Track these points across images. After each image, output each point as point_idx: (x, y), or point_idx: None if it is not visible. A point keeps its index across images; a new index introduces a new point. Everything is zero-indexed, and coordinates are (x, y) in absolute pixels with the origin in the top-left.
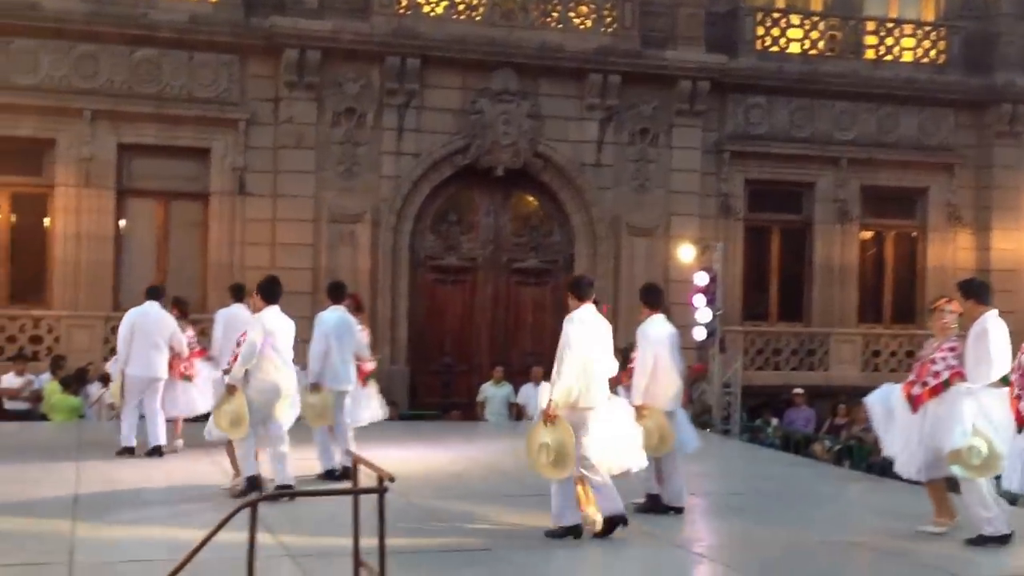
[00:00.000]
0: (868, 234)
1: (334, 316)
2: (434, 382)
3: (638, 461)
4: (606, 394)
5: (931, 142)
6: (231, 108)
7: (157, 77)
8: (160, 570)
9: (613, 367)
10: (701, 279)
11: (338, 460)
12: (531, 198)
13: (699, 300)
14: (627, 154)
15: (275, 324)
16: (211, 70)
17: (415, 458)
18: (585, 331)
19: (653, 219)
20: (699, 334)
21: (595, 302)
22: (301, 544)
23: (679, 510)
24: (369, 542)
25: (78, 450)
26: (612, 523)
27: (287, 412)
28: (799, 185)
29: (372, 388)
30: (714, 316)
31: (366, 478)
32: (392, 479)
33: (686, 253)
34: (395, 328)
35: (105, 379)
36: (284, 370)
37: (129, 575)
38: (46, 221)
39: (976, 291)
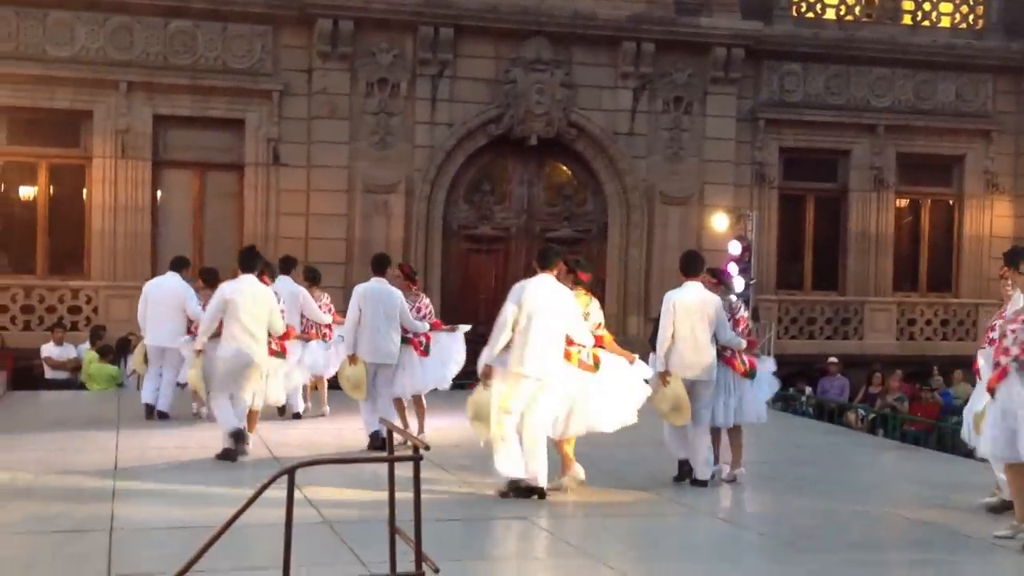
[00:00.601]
0: (904, 202)
1: (366, 286)
2: (468, 351)
3: (591, 425)
4: (551, 361)
5: (969, 108)
6: (265, 79)
7: (191, 48)
8: (199, 537)
9: (578, 335)
10: (735, 248)
11: (378, 426)
12: (564, 167)
13: (733, 269)
14: (661, 123)
15: (236, 293)
16: (245, 41)
17: (448, 427)
18: (526, 301)
19: (687, 188)
20: None
21: (571, 270)
22: (338, 512)
23: (699, 483)
24: (404, 510)
25: (117, 419)
26: (526, 491)
27: (258, 384)
28: (834, 153)
29: (432, 359)
30: (748, 285)
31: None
32: (427, 447)
33: (720, 222)
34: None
35: None
36: (245, 339)
37: (168, 542)
38: (84, 192)
39: (1014, 258)
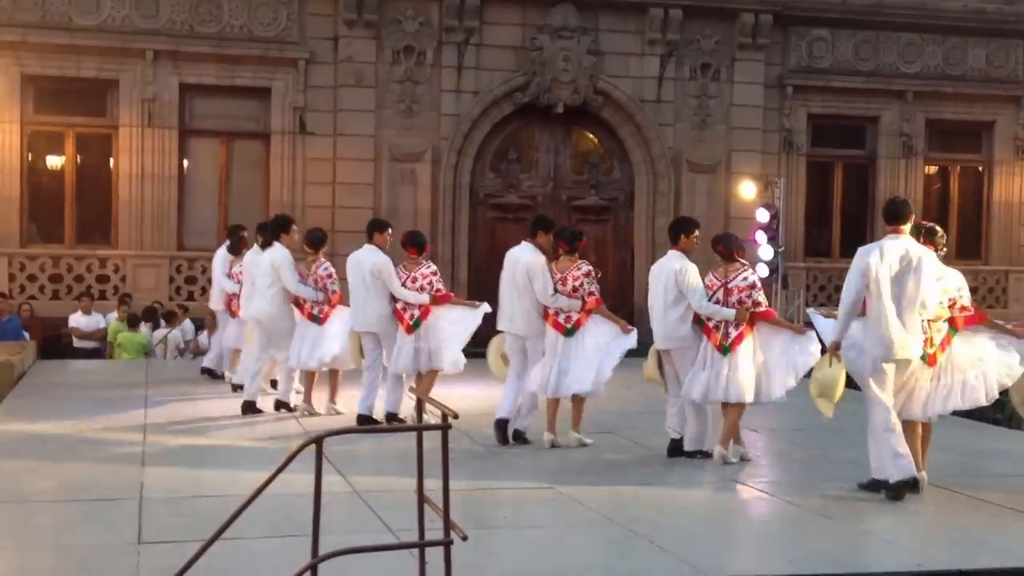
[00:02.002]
0: (933, 169)
1: (352, 254)
2: (495, 320)
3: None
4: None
5: (999, 74)
6: (291, 47)
7: (217, 17)
8: (228, 505)
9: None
10: (763, 216)
11: (367, 404)
12: (591, 135)
13: (761, 237)
14: (688, 89)
15: (249, 260)
16: (271, 9)
17: (477, 395)
18: (504, 267)
19: (714, 155)
20: (761, 271)
21: (560, 239)
22: (366, 482)
23: (697, 454)
24: (433, 480)
25: (146, 387)
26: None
27: (257, 341)
28: (863, 119)
29: (416, 340)
30: (776, 253)
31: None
32: (456, 416)
33: (747, 190)
34: (455, 267)
35: (169, 317)
36: (247, 301)
37: (197, 510)
38: (111, 162)
39: (884, 212)
